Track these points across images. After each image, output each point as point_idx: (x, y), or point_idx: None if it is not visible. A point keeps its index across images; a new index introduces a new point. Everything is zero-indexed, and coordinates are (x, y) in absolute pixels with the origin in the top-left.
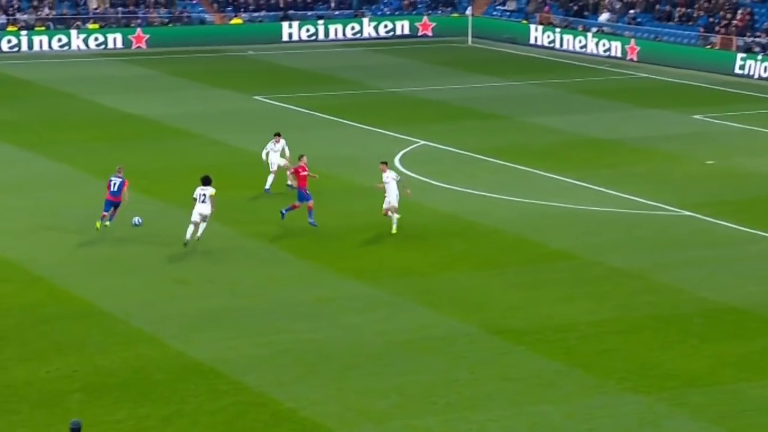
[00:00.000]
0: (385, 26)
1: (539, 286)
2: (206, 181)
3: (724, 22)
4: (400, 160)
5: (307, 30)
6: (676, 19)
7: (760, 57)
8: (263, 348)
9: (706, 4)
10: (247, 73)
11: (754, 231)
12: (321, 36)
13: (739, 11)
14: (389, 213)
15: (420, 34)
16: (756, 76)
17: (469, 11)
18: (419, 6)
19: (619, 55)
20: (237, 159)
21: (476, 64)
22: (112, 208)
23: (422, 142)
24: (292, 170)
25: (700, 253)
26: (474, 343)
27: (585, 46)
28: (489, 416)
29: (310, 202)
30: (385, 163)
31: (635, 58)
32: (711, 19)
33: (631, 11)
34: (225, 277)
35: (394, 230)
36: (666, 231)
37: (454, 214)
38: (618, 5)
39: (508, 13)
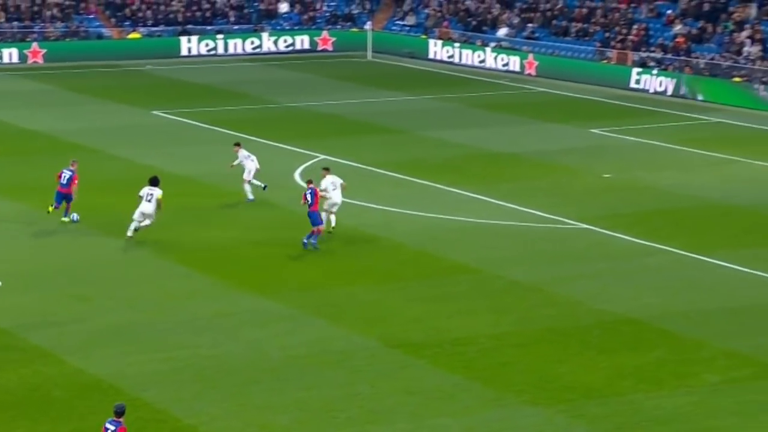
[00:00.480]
0: (285, 41)
1: (439, 300)
2: (154, 182)
3: (620, 37)
4: (300, 174)
5: (207, 44)
6: (573, 34)
7: (655, 72)
8: (163, 364)
9: (602, 20)
10: (146, 88)
11: (651, 243)
12: (220, 50)
13: (635, 26)
14: (331, 211)
15: (320, 48)
16: (651, 90)
17: (368, 26)
18: (319, 21)
19: (517, 69)
20: (134, 174)
21: (376, 78)
22: (64, 201)
23: (322, 157)
24: (314, 196)
25: (598, 265)
26: (375, 357)
27: (484, 61)
28: (390, 430)
29: (321, 227)
30: (327, 169)
31: (533, 73)
32: (607, 34)
33: (529, 25)
34: (124, 293)
35: (332, 227)
36: (565, 244)
37: (354, 228)
38: (516, 20)
39: (407, 28)
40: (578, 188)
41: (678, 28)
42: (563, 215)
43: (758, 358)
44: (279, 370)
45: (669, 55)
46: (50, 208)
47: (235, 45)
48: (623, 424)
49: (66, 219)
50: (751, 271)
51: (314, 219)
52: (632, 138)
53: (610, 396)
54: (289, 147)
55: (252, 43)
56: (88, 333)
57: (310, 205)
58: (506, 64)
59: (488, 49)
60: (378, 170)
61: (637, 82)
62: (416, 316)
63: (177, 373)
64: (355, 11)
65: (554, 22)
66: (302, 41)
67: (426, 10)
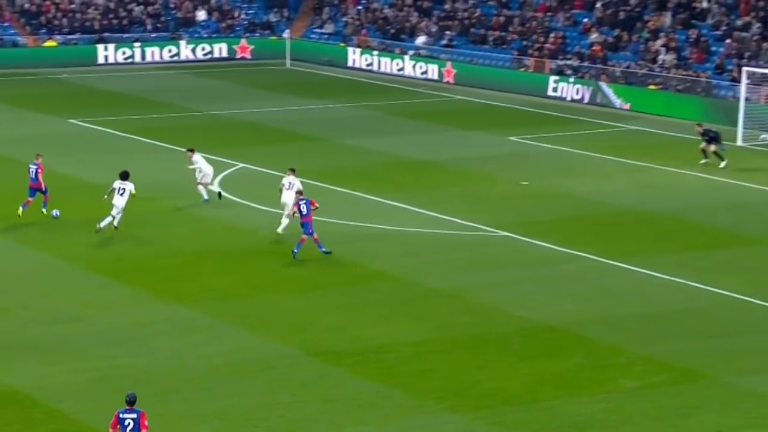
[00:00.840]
0: (203, 49)
1: (359, 308)
2: (124, 176)
3: (537, 45)
4: (220, 183)
5: (124, 53)
6: (490, 43)
7: (571, 80)
8: (80, 375)
9: (519, 28)
10: (62, 96)
11: (568, 250)
12: (138, 59)
13: (551, 35)
14: (287, 214)
15: (238, 56)
16: (568, 98)
17: (286, 34)
18: (237, 29)
19: (435, 77)
20: (51, 183)
21: (295, 86)
22: (37, 193)
23: (241, 165)
24: (309, 208)
25: (517, 272)
26: (295, 365)
27: (402, 69)
28: None
29: (314, 236)
30: (293, 170)
31: (452, 81)
32: (524, 43)
33: (447, 33)
34: (40, 303)
35: (279, 230)
36: (483, 251)
37: (273, 236)
38: (434, 28)
39: (326, 36)
40: (496, 195)
41: (594, 36)
42: (482, 222)
43: (674, 363)
44: (199, 379)
45: (585, 63)
46: (20, 212)
47: (153, 53)
48: (542, 430)
49: (44, 211)
50: (667, 277)
51: (306, 228)
52: (549, 145)
53: (530, 402)
54: (209, 156)
55: (170, 51)
56: (3, 344)
57: (304, 215)
58: (425, 72)
59: (407, 57)
60: (298, 178)
61: (554, 90)
62: (336, 324)
63: (94, 384)
64: (274, 19)
65: (472, 30)
66: (220, 49)
67: (344, 19)
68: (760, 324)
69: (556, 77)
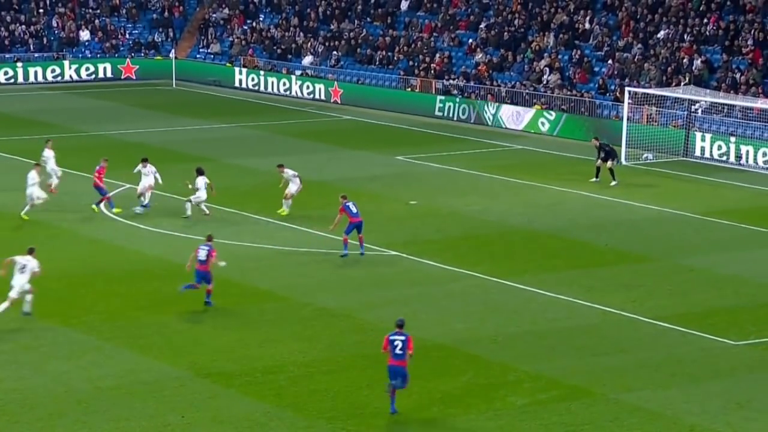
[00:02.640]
0: (87, 69)
1: (248, 328)
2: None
3: (423, 65)
4: (105, 204)
5: (5, 72)
6: (377, 63)
7: (458, 99)
8: None
9: (405, 48)
10: None
11: (456, 269)
12: (20, 79)
13: (437, 55)
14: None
15: (123, 77)
16: (455, 117)
17: (172, 54)
18: (122, 49)
19: (323, 97)
20: None
21: (181, 106)
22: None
23: (128, 186)
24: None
25: (406, 291)
26: (184, 386)
27: (289, 89)
28: None
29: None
30: (282, 165)
31: (339, 101)
32: (411, 63)
33: (334, 53)
34: None
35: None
36: (373, 270)
37: (161, 257)
38: (321, 48)
39: (212, 56)
40: (385, 215)
41: (479, 56)
42: (371, 242)
43: (562, 381)
44: (86, 402)
45: (471, 83)
46: (95, 208)
47: (36, 73)
48: None
49: (95, 208)
50: (554, 294)
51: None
52: (437, 165)
53: (420, 421)
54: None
55: (53, 71)
56: None
57: (355, 216)
58: (312, 92)
59: (293, 77)
60: (184, 198)
61: (441, 110)
62: (226, 344)
63: None
64: (159, 39)
65: (359, 50)
66: (105, 69)
67: (230, 38)
68: (645, 341)
69: (443, 97)
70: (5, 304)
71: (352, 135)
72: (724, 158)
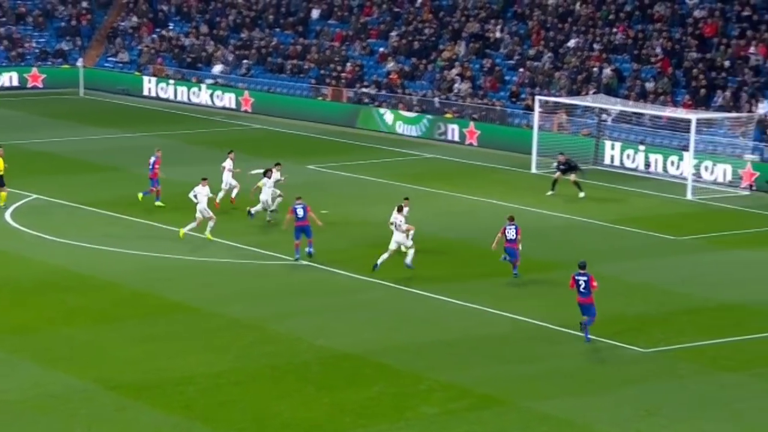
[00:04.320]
0: None
1: (157, 340)
2: None
3: (335, 74)
4: (11, 214)
5: None
6: (288, 72)
7: (370, 107)
8: None
9: (316, 56)
10: None
11: (367, 278)
12: None
13: (349, 63)
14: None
15: (30, 85)
16: (366, 126)
17: (80, 63)
18: (28, 57)
19: (233, 106)
20: None
21: (89, 115)
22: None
23: (34, 196)
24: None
25: (317, 301)
26: (92, 399)
27: (199, 98)
28: None
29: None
30: (279, 164)
31: (249, 110)
32: (322, 72)
33: (245, 62)
34: None
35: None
36: (283, 280)
37: (67, 268)
38: (231, 57)
39: (120, 65)
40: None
41: (391, 65)
42: (281, 251)
43: (473, 389)
44: None
45: (383, 92)
46: (140, 196)
47: None
48: None
49: (140, 196)
50: (465, 303)
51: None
52: (348, 174)
53: None
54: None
55: None
56: None
57: (300, 219)
58: (222, 101)
59: (203, 86)
60: (91, 209)
61: (350, 119)
62: (134, 356)
63: None
64: (66, 48)
65: (269, 59)
66: (11, 78)
67: (139, 47)
68: (555, 349)
69: (354, 105)
70: None
71: (263, 144)
72: (634, 166)
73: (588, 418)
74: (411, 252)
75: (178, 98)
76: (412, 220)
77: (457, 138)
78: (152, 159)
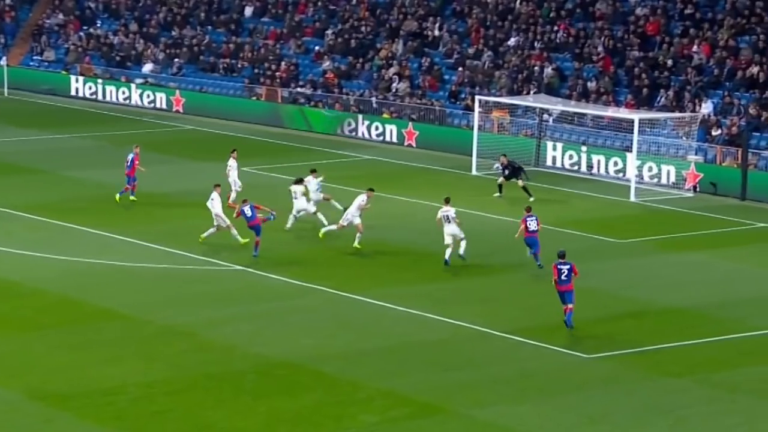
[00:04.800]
0: None
1: (85, 348)
2: None
3: (269, 73)
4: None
5: None
6: (220, 71)
7: (307, 106)
8: None
9: (249, 55)
10: None
11: (304, 283)
12: None
13: (283, 62)
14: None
15: None
16: (301, 127)
17: (3, 62)
18: None
19: (164, 106)
20: None
21: (14, 116)
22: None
23: None
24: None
25: (252, 307)
26: (17, 410)
27: (129, 98)
28: None
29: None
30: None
31: (181, 110)
32: (256, 71)
33: (176, 61)
34: None
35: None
36: (218, 286)
37: None
38: (161, 56)
39: (46, 64)
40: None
41: (327, 64)
42: (215, 257)
43: (414, 397)
44: None
45: (319, 92)
46: (117, 198)
47: None
48: None
49: (118, 198)
50: (405, 309)
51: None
52: (283, 176)
53: None
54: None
55: None
56: None
57: (250, 219)
58: (152, 101)
59: (133, 86)
60: (16, 213)
61: (287, 120)
62: (61, 365)
63: None
64: None
65: (201, 57)
66: None
67: (66, 45)
68: (497, 355)
69: (289, 106)
70: None
71: (195, 145)
72: (576, 168)
73: (530, 425)
74: (464, 243)
75: (107, 98)
76: (350, 223)
77: (395, 139)
78: (130, 156)
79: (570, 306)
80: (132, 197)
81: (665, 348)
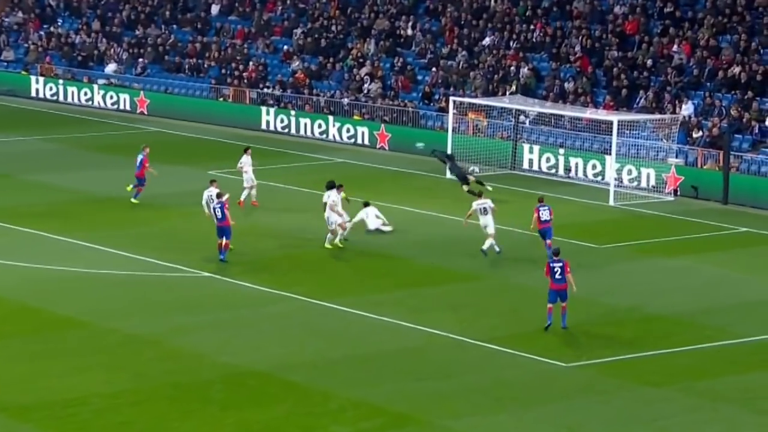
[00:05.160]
0: None
1: (47, 357)
2: None
3: (237, 73)
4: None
5: None
6: (186, 71)
7: (273, 110)
8: None
9: (216, 55)
10: None
11: (274, 290)
12: None
13: (251, 62)
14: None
15: None
16: (273, 129)
17: None
18: None
19: (128, 108)
20: None
21: None
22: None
23: None
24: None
25: (221, 315)
26: None
27: (91, 99)
28: None
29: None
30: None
31: (146, 111)
32: (223, 71)
33: (140, 61)
34: None
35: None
36: (185, 293)
37: None
38: (125, 56)
39: (5, 64)
40: (197, 233)
41: (296, 64)
42: (182, 263)
43: (387, 407)
44: None
45: (289, 92)
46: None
47: None
48: None
49: (134, 200)
50: (378, 316)
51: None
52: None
53: None
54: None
55: None
56: None
57: (220, 220)
58: (116, 102)
59: (96, 87)
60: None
61: (257, 120)
62: (21, 376)
63: None
64: None
65: (166, 57)
66: None
67: (26, 45)
68: (473, 364)
69: (259, 107)
70: None
71: (160, 148)
72: (553, 171)
73: None
74: (490, 240)
75: (69, 99)
76: (320, 228)
77: (367, 141)
78: (140, 157)
79: (563, 305)
80: (134, 200)
81: (646, 356)
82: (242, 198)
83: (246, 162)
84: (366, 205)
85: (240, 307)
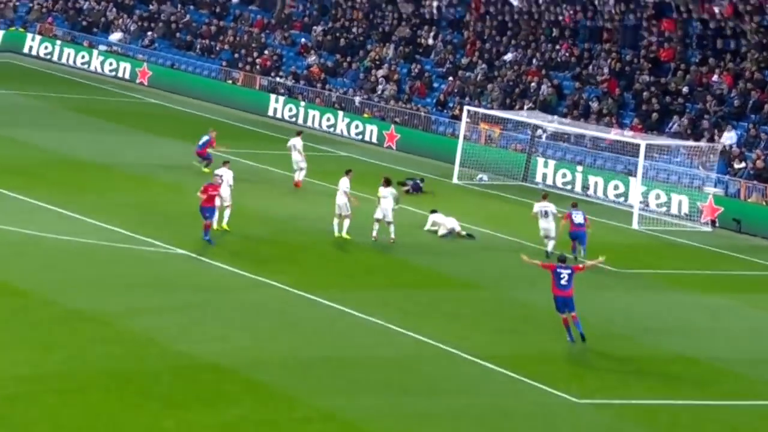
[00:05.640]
0: None
1: None
2: None
3: (249, 59)
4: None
5: None
6: (197, 50)
7: (282, 98)
8: None
9: (231, 39)
10: None
11: (253, 276)
12: None
13: (266, 51)
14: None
15: None
16: (279, 116)
17: None
18: None
19: (127, 77)
20: None
21: None
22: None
23: None
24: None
25: (187, 297)
26: None
27: (88, 63)
28: None
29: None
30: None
31: (146, 83)
32: (235, 55)
33: (149, 34)
34: None
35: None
36: (151, 269)
37: None
38: (133, 27)
39: (9, 22)
40: (178, 209)
41: (312, 58)
42: (155, 237)
43: (360, 425)
44: None
45: (301, 84)
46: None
47: None
48: None
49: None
50: (365, 316)
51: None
52: (250, 162)
53: None
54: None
55: None
56: None
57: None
58: (114, 70)
59: (95, 52)
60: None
61: (265, 107)
62: None
63: None
64: None
65: (178, 35)
66: None
67: (30, 4)
68: (466, 383)
69: (267, 94)
70: None
71: (156, 120)
72: (569, 187)
73: None
74: (552, 243)
75: (64, 60)
76: (315, 218)
77: (375, 140)
78: (205, 137)
79: (573, 314)
80: (205, 169)
81: (677, 405)
82: (298, 178)
83: (296, 145)
84: (433, 212)
85: (210, 290)
